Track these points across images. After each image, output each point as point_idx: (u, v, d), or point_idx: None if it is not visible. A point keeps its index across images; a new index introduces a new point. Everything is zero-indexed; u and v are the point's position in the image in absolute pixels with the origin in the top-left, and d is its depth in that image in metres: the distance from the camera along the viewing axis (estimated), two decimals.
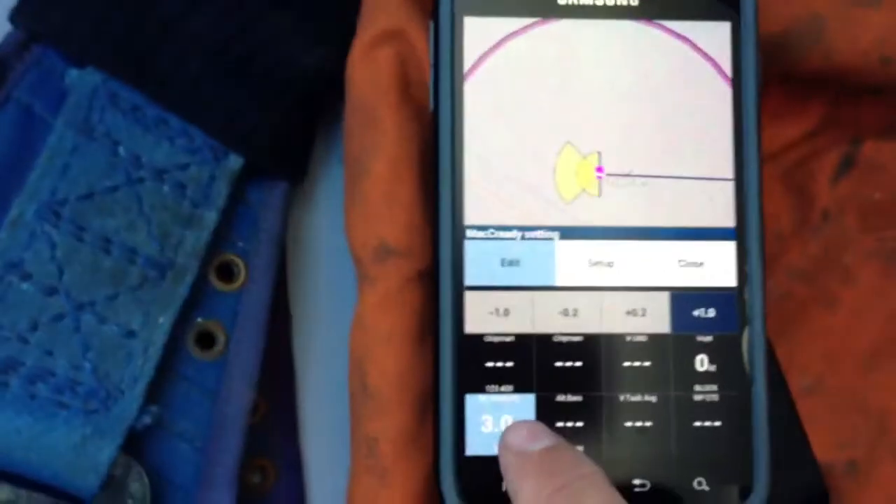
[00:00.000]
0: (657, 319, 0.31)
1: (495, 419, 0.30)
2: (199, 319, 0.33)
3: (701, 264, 0.31)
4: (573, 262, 0.31)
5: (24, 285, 0.31)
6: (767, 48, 0.33)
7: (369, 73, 0.32)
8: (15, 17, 0.33)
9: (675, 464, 0.30)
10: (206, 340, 0.33)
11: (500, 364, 0.30)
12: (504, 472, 0.28)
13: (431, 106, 0.31)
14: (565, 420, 0.30)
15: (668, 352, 0.30)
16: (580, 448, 0.30)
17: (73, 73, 0.33)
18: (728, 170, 0.31)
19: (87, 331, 0.31)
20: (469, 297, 0.30)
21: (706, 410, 0.30)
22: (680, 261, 0.31)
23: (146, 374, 0.31)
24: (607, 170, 0.31)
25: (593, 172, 0.31)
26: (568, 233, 0.31)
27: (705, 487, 0.30)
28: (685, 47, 0.31)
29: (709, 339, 0.31)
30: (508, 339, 0.30)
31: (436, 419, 0.30)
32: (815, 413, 0.34)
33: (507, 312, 0.30)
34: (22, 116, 0.33)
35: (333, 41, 0.34)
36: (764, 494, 0.30)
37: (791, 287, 0.36)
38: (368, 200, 0.32)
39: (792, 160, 0.36)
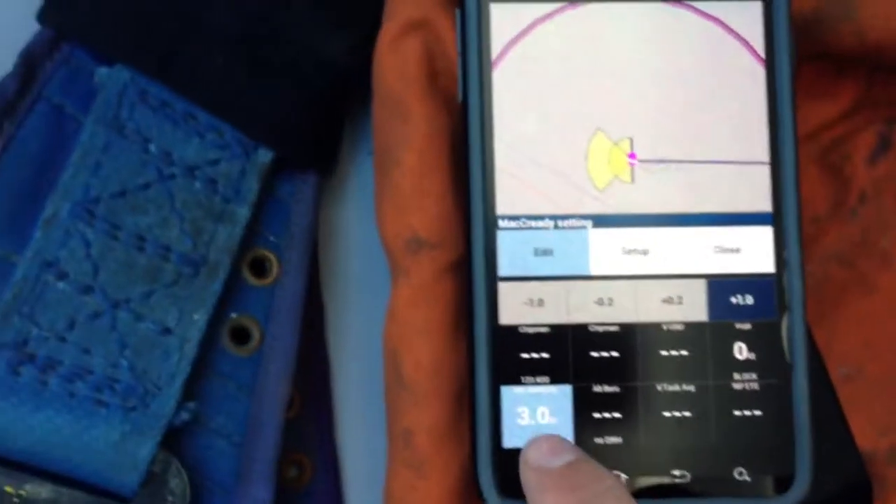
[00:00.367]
0: (694, 307, 0.30)
1: (532, 411, 0.30)
2: (234, 315, 0.33)
3: (738, 250, 0.31)
4: (607, 250, 0.30)
5: (61, 284, 0.31)
6: (799, 27, 0.32)
7: (396, 64, 0.32)
8: (43, 16, 0.33)
9: (715, 454, 0.30)
10: (241, 336, 0.33)
11: (535, 355, 0.30)
12: (525, 490, 0.28)
13: (460, 96, 0.31)
14: (602, 411, 0.30)
15: (706, 340, 0.30)
16: (618, 439, 0.30)
17: (103, 71, 0.33)
18: (763, 152, 0.31)
19: (123, 328, 0.31)
20: (503, 287, 0.30)
21: (746, 399, 0.30)
22: (716, 247, 0.31)
23: (183, 370, 0.32)
24: (640, 156, 0.31)
25: (625, 159, 0.31)
26: (601, 221, 0.30)
27: (746, 477, 0.30)
28: (716, 28, 0.31)
29: (747, 326, 0.30)
30: (543, 329, 0.30)
31: (472, 411, 0.30)
32: (856, 400, 0.33)
33: (541, 303, 0.30)
34: (53, 115, 0.33)
35: (359, 31, 0.34)
36: (806, 483, 0.30)
37: (828, 271, 0.35)
38: (399, 192, 0.32)
39: (827, 141, 0.36)
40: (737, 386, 0.30)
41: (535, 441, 0.28)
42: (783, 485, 0.30)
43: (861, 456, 0.32)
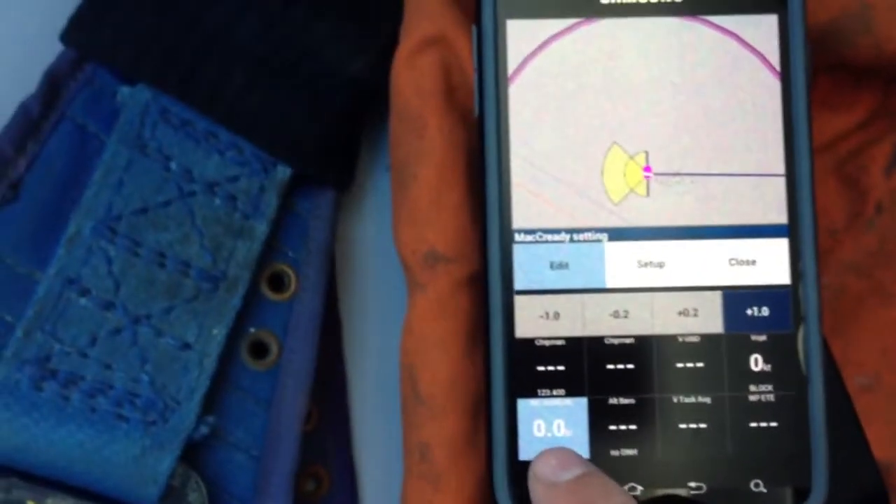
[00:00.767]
0: (709, 319, 0.30)
1: (548, 423, 0.30)
2: (252, 329, 0.33)
3: (753, 262, 0.31)
4: (623, 263, 0.30)
5: (83, 301, 0.32)
6: (815, 39, 0.32)
7: (413, 79, 0.32)
8: (66, 36, 0.33)
9: (732, 466, 0.30)
10: (259, 350, 0.34)
11: (551, 368, 0.30)
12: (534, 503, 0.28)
13: (476, 110, 0.31)
14: (618, 423, 0.30)
15: (722, 352, 0.30)
16: (634, 452, 0.30)
17: (125, 91, 0.33)
18: (779, 165, 0.31)
19: (144, 344, 0.32)
20: (519, 301, 0.30)
21: (762, 411, 0.30)
22: (731, 259, 0.31)
23: (202, 385, 0.32)
24: (655, 169, 0.31)
25: (641, 172, 0.31)
26: (617, 234, 0.30)
27: (763, 489, 0.30)
28: (731, 42, 0.31)
29: (763, 338, 0.30)
30: (559, 342, 0.30)
31: (488, 424, 0.30)
32: (873, 410, 0.33)
33: (557, 316, 0.30)
34: (76, 134, 0.33)
35: (376, 49, 0.34)
36: (823, 495, 0.30)
37: (845, 282, 0.35)
38: (416, 207, 0.32)
39: (844, 152, 0.36)
40: (753, 398, 0.30)
41: (544, 454, 0.28)
42: (800, 496, 0.30)
43: (878, 466, 0.32)
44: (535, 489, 0.28)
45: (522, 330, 0.30)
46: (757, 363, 0.30)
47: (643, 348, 0.30)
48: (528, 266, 0.30)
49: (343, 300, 0.36)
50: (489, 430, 0.30)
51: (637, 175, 0.31)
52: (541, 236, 0.30)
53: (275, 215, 0.33)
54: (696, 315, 0.30)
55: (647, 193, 0.31)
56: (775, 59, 0.31)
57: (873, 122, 0.35)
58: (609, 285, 0.30)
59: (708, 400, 0.30)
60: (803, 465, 0.30)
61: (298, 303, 0.34)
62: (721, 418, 0.30)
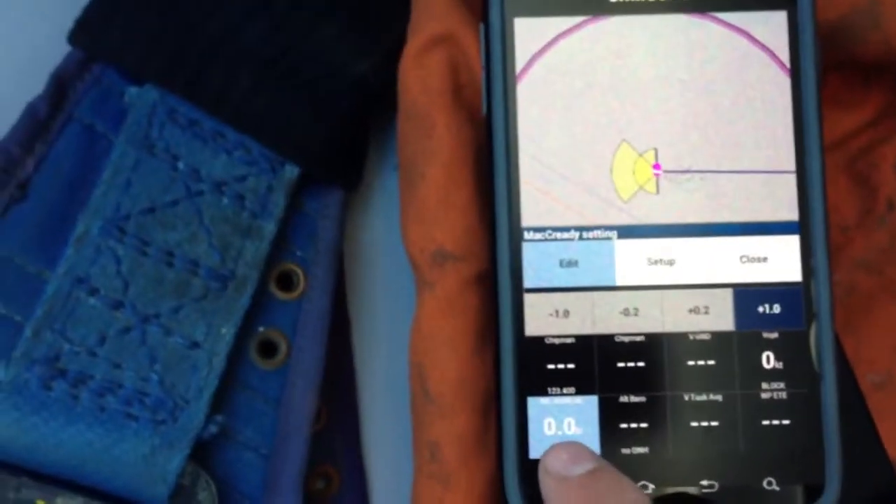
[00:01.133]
0: (720, 317, 0.30)
1: (558, 422, 0.30)
2: (261, 329, 0.33)
3: (764, 259, 0.30)
4: (632, 261, 0.30)
5: (92, 300, 0.32)
6: (825, 36, 0.32)
7: (421, 78, 0.32)
8: (73, 37, 0.33)
9: (744, 464, 0.30)
10: (268, 349, 0.34)
11: (561, 366, 0.30)
12: (545, 499, 0.28)
13: (484, 109, 0.31)
14: (629, 421, 0.30)
15: (733, 349, 0.30)
16: (645, 450, 0.30)
17: (132, 91, 0.33)
18: (790, 162, 0.31)
19: (153, 343, 0.32)
20: (528, 299, 0.30)
21: (774, 408, 0.30)
22: (742, 256, 0.30)
23: (211, 384, 0.32)
24: (664, 166, 0.31)
25: (650, 170, 0.31)
26: (626, 232, 0.30)
27: (775, 487, 0.30)
28: (740, 39, 0.31)
29: (774, 335, 0.30)
30: (569, 340, 0.30)
31: (498, 423, 0.30)
32: (886, 407, 0.33)
33: (567, 314, 0.30)
34: (84, 135, 0.33)
35: (384, 48, 0.34)
36: (836, 493, 0.29)
37: (856, 279, 0.35)
38: (424, 205, 0.32)
39: (854, 149, 0.35)
40: (765, 395, 0.30)
41: (555, 448, 0.28)
42: (813, 494, 0.30)
43: (891, 464, 0.32)
44: (546, 483, 0.28)
45: (532, 328, 0.30)
46: (769, 360, 0.30)
47: (654, 346, 0.30)
48: (537, 264, 0.30)
49: (352, 299, 0.36)
50: (499, 429, 0.30)
51: (646, 172, 0.31)
52: (550, 234, 0.30)
53: (283, 215, 0.33)
54: (706, 312, 0.30)
55: (657, 191, 0.31)
56: (785, 55, 0.31)
57: (883, 119, 0.35)
58: (619, 283, 0.30)
59: (719, 398, 0.30)
60: (816, 463, 0.30)
61: (307, 302, 0.34)
62: (733, 416, 0.30)
